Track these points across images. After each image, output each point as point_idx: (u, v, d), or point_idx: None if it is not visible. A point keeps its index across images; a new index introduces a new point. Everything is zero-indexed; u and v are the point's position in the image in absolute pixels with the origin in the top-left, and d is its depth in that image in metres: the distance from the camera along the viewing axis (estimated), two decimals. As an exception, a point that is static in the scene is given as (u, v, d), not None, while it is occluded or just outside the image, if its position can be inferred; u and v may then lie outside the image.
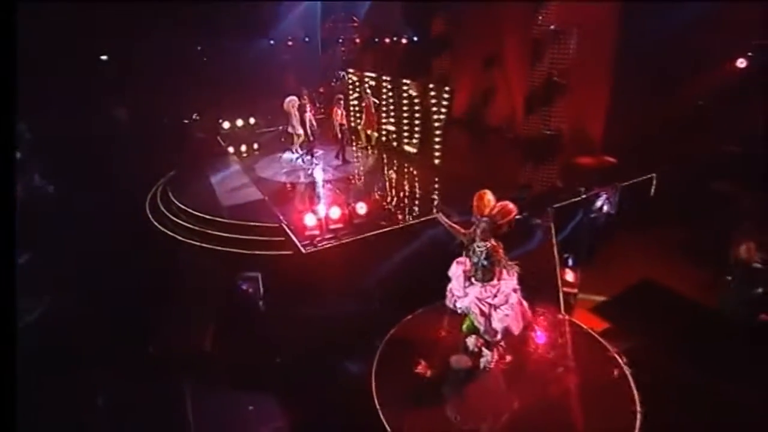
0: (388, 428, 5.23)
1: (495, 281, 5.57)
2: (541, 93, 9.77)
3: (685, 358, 6.01)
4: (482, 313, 5.58)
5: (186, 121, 13.70)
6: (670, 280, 7.80)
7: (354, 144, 12.83)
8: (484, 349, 6.10)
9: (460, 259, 5.85)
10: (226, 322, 7.07)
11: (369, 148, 12.51)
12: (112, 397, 5.83)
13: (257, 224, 9.12)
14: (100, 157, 11.46)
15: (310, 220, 8.20)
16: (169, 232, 9.56)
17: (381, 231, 8.62)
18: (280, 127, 12.57)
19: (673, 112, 10.13)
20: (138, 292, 7.44)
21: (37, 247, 8.51)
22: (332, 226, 8.48)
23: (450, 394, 5.78)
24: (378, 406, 5.47)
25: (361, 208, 8.63)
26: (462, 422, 5.32)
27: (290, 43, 15.35)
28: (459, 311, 5.88)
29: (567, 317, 7.05)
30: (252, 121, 13.67)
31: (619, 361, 6.07)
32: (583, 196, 9.28)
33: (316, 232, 8.36)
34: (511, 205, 5.38)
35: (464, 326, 5.84)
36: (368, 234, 8.46)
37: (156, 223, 9.93)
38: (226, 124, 13.55)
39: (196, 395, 5.86)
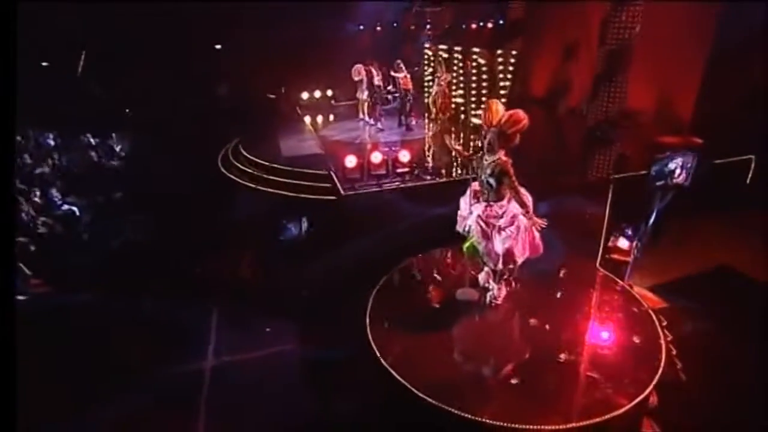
0: (378, 354, 4.83)
1: (504, 202, 5.11)
2: (616, 66, 8.96)
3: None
4: (484, 233, 5.11)
5: (272, 96, 14.59)
6: (751, 269, 6.57)
7: (425, 116, 12.66)
8: (490, 281, 5.61)
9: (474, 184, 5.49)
10: (268, 255, 7.48)
11: (438, 119, 12.28)
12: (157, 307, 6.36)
13: (309, 171, 9.40)
14: (197, 124, 12.79)
15: (350, 162, 8.22)
16: (233, 177, 10.26)
17: (421, 183, 8.44)
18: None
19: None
20: (196, 226, 8.32)
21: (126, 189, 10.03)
22: (374, 172, 8.45)
23: (446, 327, 5.28)
24: (369, 335, 5.06)
25: (404, 156, 8.46)
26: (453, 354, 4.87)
27: (378, 28, 15.67)
28: (463, 232, 5.48)
29: (603, 272, 6.27)
30: (330, 93, 14.20)
31: (656, 322, 5.23)
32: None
33: (357, 176, 8.40)
34: (521, 114, 4.90)
35: (464, 246, 5.38)
36: (408, 185, 8.33)
37: (223, 170, 10.71)
38: (305, 95, 14.22)
39: (223, 313, 6.20)
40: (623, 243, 7.12)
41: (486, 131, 5.03)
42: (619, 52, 9.18)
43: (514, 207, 5.08)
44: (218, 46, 16.22)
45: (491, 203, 5.11)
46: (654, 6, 8.57)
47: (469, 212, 5.31)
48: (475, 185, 5.38)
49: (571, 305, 5.58)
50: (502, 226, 5.07)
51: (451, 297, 5.78)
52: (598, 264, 6.58)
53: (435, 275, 6.20)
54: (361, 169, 8.43)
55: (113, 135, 12.00)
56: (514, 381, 4.43)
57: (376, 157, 8.33)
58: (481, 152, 5.17)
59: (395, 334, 5.10)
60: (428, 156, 9.93)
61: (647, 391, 4.33)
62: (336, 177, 8.77)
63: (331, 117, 13.06)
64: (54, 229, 8.86)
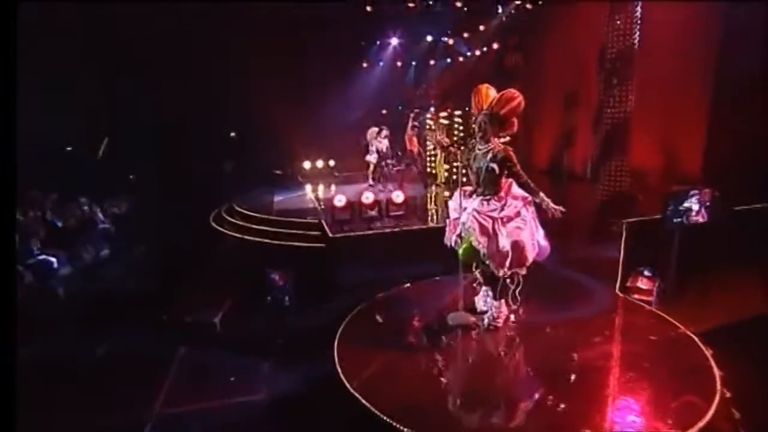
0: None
1: (501, 195, 4.39)
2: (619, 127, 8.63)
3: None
4: (483, 229, 4.30)
5: (279, 172, 14.59)
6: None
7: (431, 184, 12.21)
8: (488, 299, 4.68)
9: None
10: (249, 303, 6.91)
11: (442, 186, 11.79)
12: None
13: (298, 220, 8.86)
14: (197, 190, 12.68)
15: (339, 201, 7.65)
16: (223, 230, 9.78)
17: (416, 227, 7.76)
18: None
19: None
20: (175, 274, 7.85)
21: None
22: (366, 215, 7.83)
23: (426, 352, 4.42)
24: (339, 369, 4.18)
25: (398, 197, 7.89)
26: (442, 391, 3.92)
27: (399, 63, 15.23)
28: (452, 245, 4.70)
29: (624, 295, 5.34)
30: (332, 163, 14.12)
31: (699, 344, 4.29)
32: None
33: (347, 217, 7.78)
34: (514, 91, 4.36)
35: (461, 250, 4.53)
36: (402, 228, 7.64)
37: (214, 224, 10.28)
38: (307, 164, 14.15)
39: (187, 360, 5.54)
40: (644, 283, 6.27)
41: (476, 116, 4.49)
42: (618, 114, 8.85)
43: (515, 199, 4.36)
44: (233, 134, 16.69)
45: (487, 197, 4.40)
46: (649, 62, 8.39)
47: (459, 213, 4.57)
48: (466, 188, 4.72)
49: (590, 328, 4.61)
50: (505, 219, 4.30)
51: (438, 323, 4.85)
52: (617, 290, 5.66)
53: (422, 302, 5.34)
54: (352, 210, 7.82)
55: (113, 197, 11.87)
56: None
57: (367, 198, 7.75)
58: (471, 141, 4.58)
59: (366, 361, 4.22)
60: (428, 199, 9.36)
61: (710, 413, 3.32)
62: (325, 221, 8.16)
63: (333, 187, 12.79)
64: (22, 277, 8.24)
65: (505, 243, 4.23)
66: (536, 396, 3.63)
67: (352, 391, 3.77)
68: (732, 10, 7.26)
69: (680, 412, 3.39)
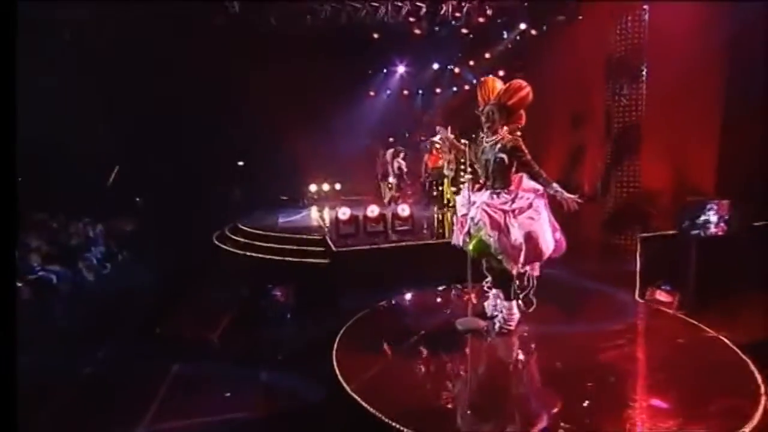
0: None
1: (512, 188, 4.16)
2: (626, 147, 8.45)
3: None
4: (494, 223, 4.04)
5: (285, 198, 14.58)
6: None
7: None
8: (499, 301, 4.38)
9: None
10: (250, 319, 6.69)
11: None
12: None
13: (303, 237, 8.65)
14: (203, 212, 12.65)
15: (343, 214, 7.45)
16: (226, 247, 9.61)
17: (423, 242, 7.52)
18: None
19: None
20: (175, 289, 7.76)
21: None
22: (371, 229, 7.61)
23: (440, 361, 4.07)
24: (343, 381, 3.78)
25: (404, 210, 7.67)
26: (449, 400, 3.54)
27: (406, 92, 15.38)
28: (461, 245, 4.44)
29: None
30: (338, 186, 14.01)
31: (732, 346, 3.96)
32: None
33: (352, 231, 7.55)
34: (521, 82, 4.21)
35: (471, 246, 4.26)
36: (408, 243, 7.39)
37: (217, 242, 10.09)
38: (313, 187, 14.02)
39: (181, 376, 5.24)
40: (663, 296, 5.96)
41: (483, 107, 4.33)
42: (626, 131, 8.74)
43: (526, 191, 4.13)
44: (240, 163, 16.77)
45: (497, 191, 4.18)
46: (658, 70, 8.30)
47: (468, 208, 4.33)
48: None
49: (612, 332, 4.29)
50: (517, 211, 4.05)
51: (445, 329, 4.54)
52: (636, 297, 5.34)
53: (428, 310, 5.05)
54: (356, 224, 7.60)
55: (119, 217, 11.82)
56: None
57: (372, 211, 7.55)
58: (480, 135, 4.40)
59: (367, 365, 3.92)
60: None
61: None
62: (329, 237, 7.93)
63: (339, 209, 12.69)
64: (20, 293, 8.04)
65: (518, 236, 3.98)
66: (561, 401, 3.28)
67: (350, 392, 3.45)
68: (741, 13, 7.06)
69: (723, 415, 3.02)
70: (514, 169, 4.17)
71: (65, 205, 11.36)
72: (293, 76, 13.13)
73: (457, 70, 14.26)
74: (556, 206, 4.13)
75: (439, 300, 5.54)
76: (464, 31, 12.01)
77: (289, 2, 11.10)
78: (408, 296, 5.72)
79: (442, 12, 11.59)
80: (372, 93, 15.31)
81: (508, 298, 4.32)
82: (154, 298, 7.66)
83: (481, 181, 4.37)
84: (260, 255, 8.48)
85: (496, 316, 4.44)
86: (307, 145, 13.84)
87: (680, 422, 2.96)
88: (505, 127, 4.21)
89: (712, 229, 7.03)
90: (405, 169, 11.22)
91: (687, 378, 3.48)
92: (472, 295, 4.66)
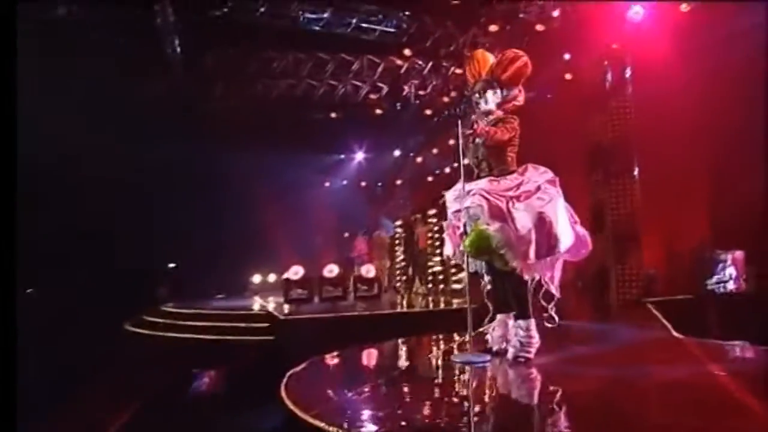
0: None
1: (515, 175, 3.55)
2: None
3: None
4: (495, 210, 3.27)
5: (221, 296, 13.31)
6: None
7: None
8: (510, 323, 3.54)
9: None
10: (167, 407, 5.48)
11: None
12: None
13: (241, 312, 7.42)
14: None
15: (295, 273, 6.51)
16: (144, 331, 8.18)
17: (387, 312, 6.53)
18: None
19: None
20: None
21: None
22: (328, 293, 6.62)
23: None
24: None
25: (368, 271, 6.82)
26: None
27: (363, 183, 15.24)
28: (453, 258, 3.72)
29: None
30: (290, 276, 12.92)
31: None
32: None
33: (305, 295, 6.52)
34: (518, 51, 3.72)
35: (467, 242, 3.40)
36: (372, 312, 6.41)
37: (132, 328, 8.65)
38: (257, 278, 12.83)
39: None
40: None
41: (473, 85, 3.86)
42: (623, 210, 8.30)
43: (534, 177, 3.51)
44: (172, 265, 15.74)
45: (497, 177, 3.54)
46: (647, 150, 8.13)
47: (461, 203, 3.62)
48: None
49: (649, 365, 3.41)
50: (522, 196, 3.35)
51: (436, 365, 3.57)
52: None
53: (409, 352, 4.07)
54: (310, 287, 6.61)
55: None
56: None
57: (331, 271, 6.65)
58: (472, 124, 3.85)
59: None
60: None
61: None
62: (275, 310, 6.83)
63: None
64: None
65: (525, 221, 3.19)
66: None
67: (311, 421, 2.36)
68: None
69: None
70: (514, 150, 3.63)
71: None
72: (241, 158, 12.88)
73: (419, 159, 14.41)
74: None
75: (423, 345, 4.55)
76: (428, 112, 12.34)
77: (238, 76, 11.17)
78: (377, 345, 4.68)
79: (405, 92, 12.00)
80: (327, 183, 15.13)
81: (524, 316, 3.43)
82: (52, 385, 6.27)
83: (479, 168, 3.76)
84: (186, 335, 7.16)
85: (507, 344, 3.54)
86: (253, 236, 13.11)
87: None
88: (499, 111, 3.75)
89: (732, 285, 6.62)
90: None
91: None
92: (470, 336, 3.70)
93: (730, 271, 6.47)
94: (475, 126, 3.61)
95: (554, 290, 3.46)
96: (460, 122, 3.71)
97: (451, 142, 12.76)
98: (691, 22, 7.62)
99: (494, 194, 3.35)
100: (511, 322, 3.52)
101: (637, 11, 8.10)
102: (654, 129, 7.78)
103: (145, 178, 12.33)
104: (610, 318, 6.77)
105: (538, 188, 3.38)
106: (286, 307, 6.65)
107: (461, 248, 3.55)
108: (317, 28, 9.81)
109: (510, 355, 3.39)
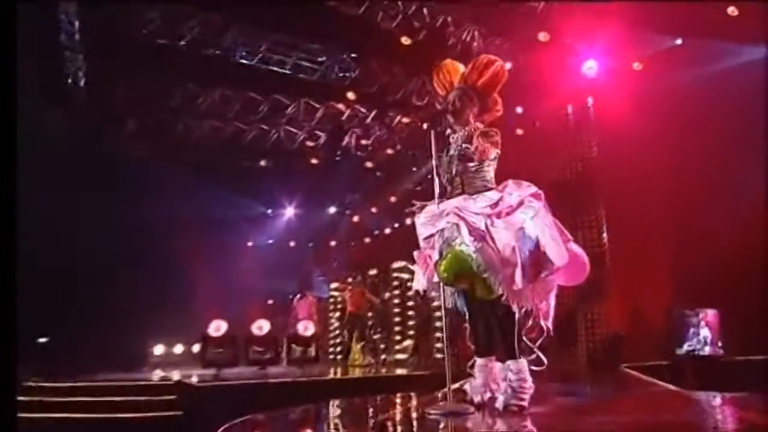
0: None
1: (493, 193, 3.08)
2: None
3: None
4: (473, 230, 2.88)
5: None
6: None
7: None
8: (496, 369, 2.99)
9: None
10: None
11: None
12: None
13: (142, 383, 6.11)
14: None
15: (217, 329, 5.48)
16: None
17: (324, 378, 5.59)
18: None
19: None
20: None
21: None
22: (255, 355, 5.59)
23: None
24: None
25: (307, 329, 5.91)
26: None
27: (292, 244, 14.36)
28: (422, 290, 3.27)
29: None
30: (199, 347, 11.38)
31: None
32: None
33: (227, 357, 5.46)
34: (493, 57, 3.41)
35: (441, 267, 2.93)
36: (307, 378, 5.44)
37: None
38: (159, 348, 11.17)
39: None
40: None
41: (445, 97, 3.47)
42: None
43: (516, 191, 3.05)
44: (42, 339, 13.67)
45: (473, 196, 3.07)
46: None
47: (435, 226, 3.11)
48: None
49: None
50: (504, 213, 2.95)
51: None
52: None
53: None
54: (233, 346, 5.57)
55: None
56: None
57: (260, 328, 5.67)
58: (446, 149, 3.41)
59: None
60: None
61: None
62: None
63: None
64: None
65: (507, 240, 2.79)
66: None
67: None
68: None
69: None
70: (493, 165, 3.19)
71: None
72: (150, 206, 11.64)
73: (356, 218, 13.87)
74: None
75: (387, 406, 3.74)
76: (369, 164, 11.94)
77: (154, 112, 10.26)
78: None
79: (345, 141, 11.54)
80: (250, 243, 14.13)
81: (513, 355, 2.87)
82: None
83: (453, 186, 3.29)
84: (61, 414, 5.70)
85: (493, 393, 2.93)
86: (153, 297, 11.64)
87: None
88: (478, 123, 3.36)
89: (707, 349, 6.33)
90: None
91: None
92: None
93: (705, 333, 6.18)
94: (458, 141, 3.27)
95: (545, 325, 2.96)
96: (433, 136, 3.28)
97: (393, 199, 12.70)
98: (644, 78, 7.92)
99: (470, 212, 2.87)
100: (498, 365, 2.95)
101: (590, 66, 8.34)
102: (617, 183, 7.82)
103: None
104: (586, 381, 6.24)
105: (521, 203, 2.95)
106: (200, 374, 5.50)
107: (435, 279, 3.08)
108: (250, 62, 9.29)
109: (500, 403, 2.87)
